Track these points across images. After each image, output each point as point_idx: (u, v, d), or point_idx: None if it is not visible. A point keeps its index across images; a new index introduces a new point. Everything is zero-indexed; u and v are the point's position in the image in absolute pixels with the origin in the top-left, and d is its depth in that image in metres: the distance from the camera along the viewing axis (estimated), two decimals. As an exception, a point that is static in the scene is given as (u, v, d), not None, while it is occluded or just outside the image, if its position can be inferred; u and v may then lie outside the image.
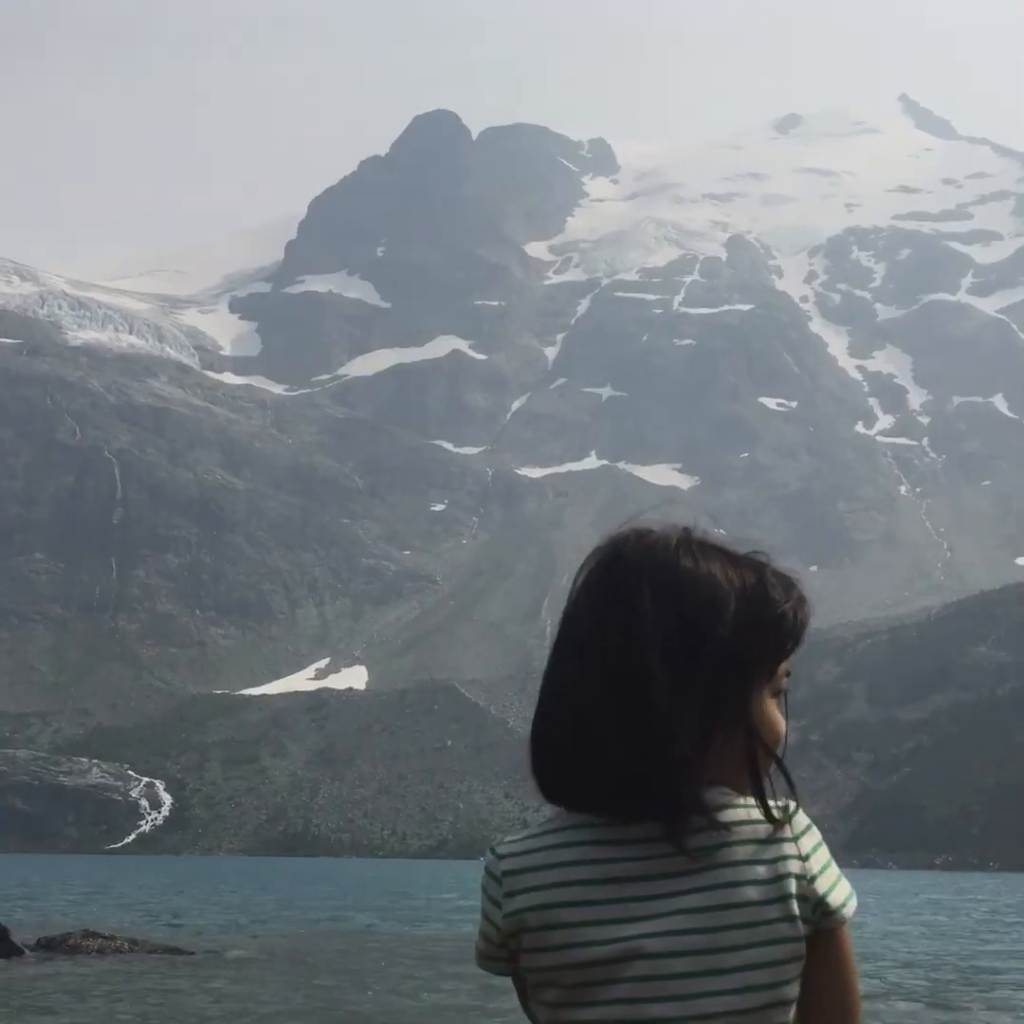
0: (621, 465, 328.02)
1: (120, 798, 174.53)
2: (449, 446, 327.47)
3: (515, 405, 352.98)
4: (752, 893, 2.10)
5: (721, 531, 2.13)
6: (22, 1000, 19.93)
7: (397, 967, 26.06)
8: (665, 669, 2.11)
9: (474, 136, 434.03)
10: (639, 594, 2.15)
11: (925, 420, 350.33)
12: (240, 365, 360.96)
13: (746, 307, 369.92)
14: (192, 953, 27.99)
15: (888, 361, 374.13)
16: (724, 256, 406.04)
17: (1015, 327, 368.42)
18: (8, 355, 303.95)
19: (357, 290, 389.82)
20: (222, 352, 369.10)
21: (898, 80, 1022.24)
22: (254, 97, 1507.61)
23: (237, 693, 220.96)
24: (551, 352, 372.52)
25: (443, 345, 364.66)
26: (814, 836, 2.17)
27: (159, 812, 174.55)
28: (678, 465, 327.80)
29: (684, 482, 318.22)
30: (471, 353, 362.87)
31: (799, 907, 2.12)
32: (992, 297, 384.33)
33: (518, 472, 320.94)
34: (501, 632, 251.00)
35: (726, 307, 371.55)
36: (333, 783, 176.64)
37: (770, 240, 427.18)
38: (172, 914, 44.36)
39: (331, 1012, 19.50)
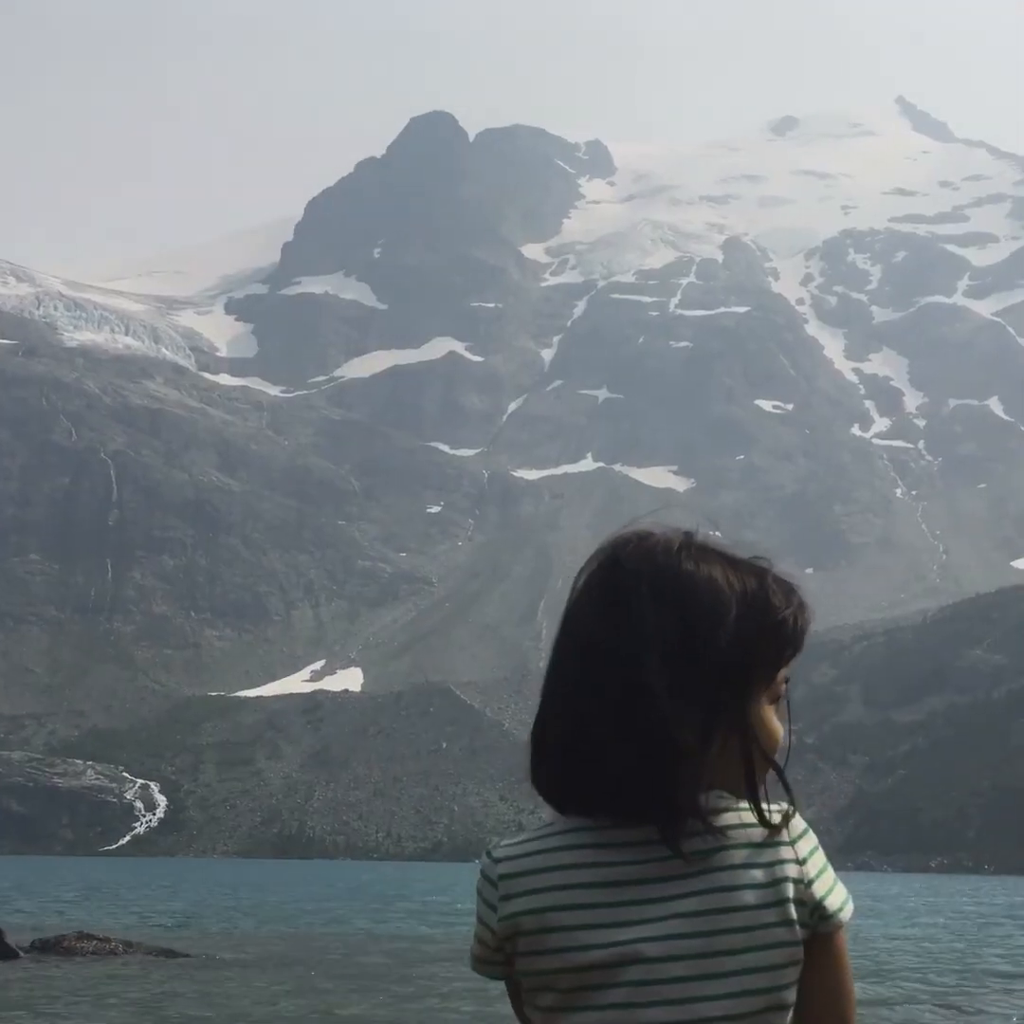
0: (617, 467, 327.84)
1: (115, 800, 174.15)
2: (445, 448, 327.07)
3: (511, 407, 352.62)
4: (749, 897, 2.10)
5: (717, 533, 2.23)
6: (17, 1002, 19.82)
7: (392, 970, 25.97)
8: (665, 672, 2.11)
9: (471, 138, 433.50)
10: (639, 597, 2.16)
11: (921, 423, 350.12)
12: (236, 366, 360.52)
13: (742, 309, 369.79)
14: (187, 955, 27.93)
15: (884, 363, 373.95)
16: (720, 258, 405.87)
17: (1011, 330, 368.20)
18: (3, 356, 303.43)
19: (353, 292, 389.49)
20: (218, 353, 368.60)
21: (895, 82, 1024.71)
22: (250, 99, 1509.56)
23: (232, 695, 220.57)
24: (547, 354, 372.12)
25: (439, 347, 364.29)
26: (811, 840, 2.18)
27: (154, 814, 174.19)
28: (674, 467, 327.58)
29: (680, 484, 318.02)
30: (467, 355, 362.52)
31: (796, 911, 2.12)
32: (988, 300, 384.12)
33: (514, 474, 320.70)
34: (497, 634, 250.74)
35: (722, 309, 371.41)
36: (328, 785, 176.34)
37: (766, 242, 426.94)
38: (167, 916, 44.27)
39: (325, 1015, 19.41)
